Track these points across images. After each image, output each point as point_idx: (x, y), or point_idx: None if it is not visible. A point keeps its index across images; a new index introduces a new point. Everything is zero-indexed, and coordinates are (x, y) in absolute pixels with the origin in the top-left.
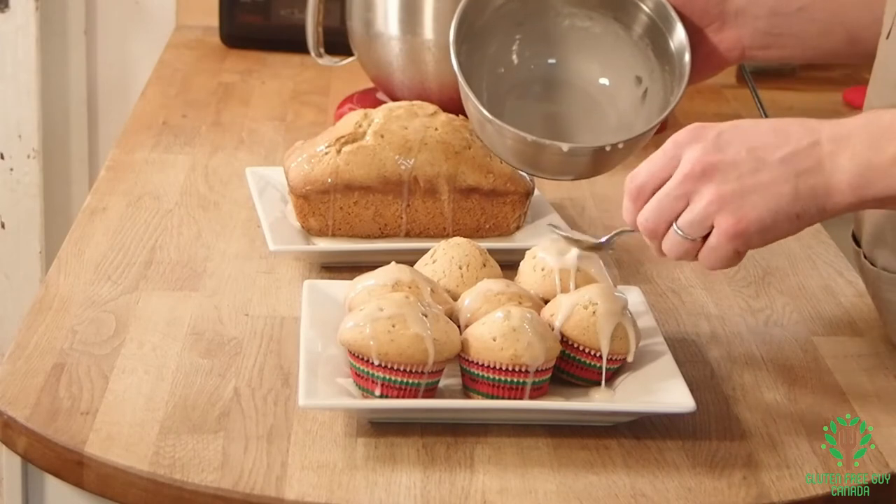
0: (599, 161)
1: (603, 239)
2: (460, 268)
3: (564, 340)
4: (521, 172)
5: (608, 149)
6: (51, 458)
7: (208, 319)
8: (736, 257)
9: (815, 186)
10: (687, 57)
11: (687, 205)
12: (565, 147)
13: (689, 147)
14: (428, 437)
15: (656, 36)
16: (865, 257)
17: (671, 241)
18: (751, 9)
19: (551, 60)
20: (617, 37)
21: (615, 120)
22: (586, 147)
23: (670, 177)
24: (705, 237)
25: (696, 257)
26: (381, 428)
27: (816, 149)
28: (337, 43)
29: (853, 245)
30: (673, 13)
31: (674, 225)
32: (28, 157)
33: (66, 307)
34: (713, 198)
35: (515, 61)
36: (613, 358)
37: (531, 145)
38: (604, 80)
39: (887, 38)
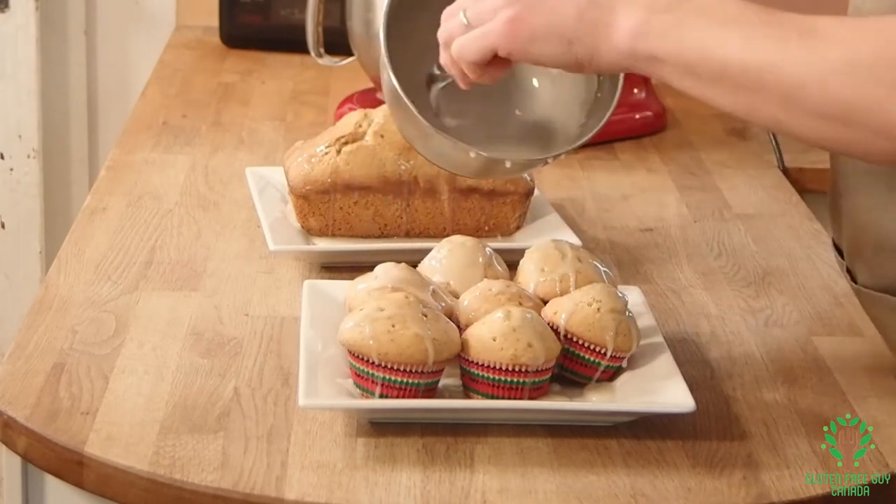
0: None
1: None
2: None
3: (569, 337)
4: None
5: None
6: (51, 458)
7: (208, 319)
8: (497, 64)
9: (598, 20)
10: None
11: None
12: (508, 162)
13: None
14: (428, 437)
15: None
16: (848, 271)
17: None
18: None
19: None
20: None
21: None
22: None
23: None
24: None
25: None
26: (381, 428)
27: None
28: (337, 43)
29: (836, 256)
30: None
31: (461, 13)
32: (28, 157)
33: (66, 307)
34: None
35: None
36: (616, 355)
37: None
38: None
39: None
